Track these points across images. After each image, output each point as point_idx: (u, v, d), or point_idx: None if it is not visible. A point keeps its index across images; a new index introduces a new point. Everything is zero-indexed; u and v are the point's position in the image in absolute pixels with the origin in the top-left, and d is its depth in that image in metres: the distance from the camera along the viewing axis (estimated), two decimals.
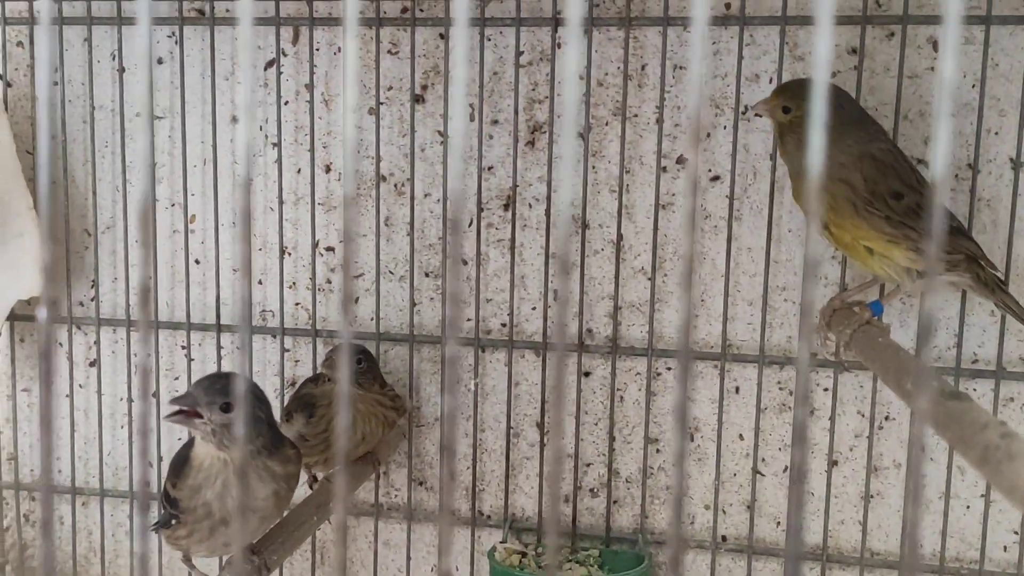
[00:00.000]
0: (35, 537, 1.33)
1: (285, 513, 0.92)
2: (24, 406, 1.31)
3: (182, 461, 0.82)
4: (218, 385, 0.80)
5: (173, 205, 1.24)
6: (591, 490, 1.17)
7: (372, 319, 1.20)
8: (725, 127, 1.10)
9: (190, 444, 0.83)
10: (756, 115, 1.03)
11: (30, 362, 1.30)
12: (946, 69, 0.34)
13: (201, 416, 0.78)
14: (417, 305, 1.19)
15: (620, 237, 1.13)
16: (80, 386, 1.29)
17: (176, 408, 0.79)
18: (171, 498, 0.81)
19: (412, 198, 1.17)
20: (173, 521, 0.82)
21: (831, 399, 1.10)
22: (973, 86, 1.03)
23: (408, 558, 1.22)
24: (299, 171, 1.21)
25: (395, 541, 1.24)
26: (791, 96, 0.95)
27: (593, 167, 1.14)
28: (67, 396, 1.29)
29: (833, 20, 0.32)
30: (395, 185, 1.19)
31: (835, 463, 1.11)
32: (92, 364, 1.28)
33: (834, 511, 1.11)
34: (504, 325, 1.17)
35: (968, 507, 1.09)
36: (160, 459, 1.25)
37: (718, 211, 1.11)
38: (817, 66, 0.32)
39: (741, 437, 1.13)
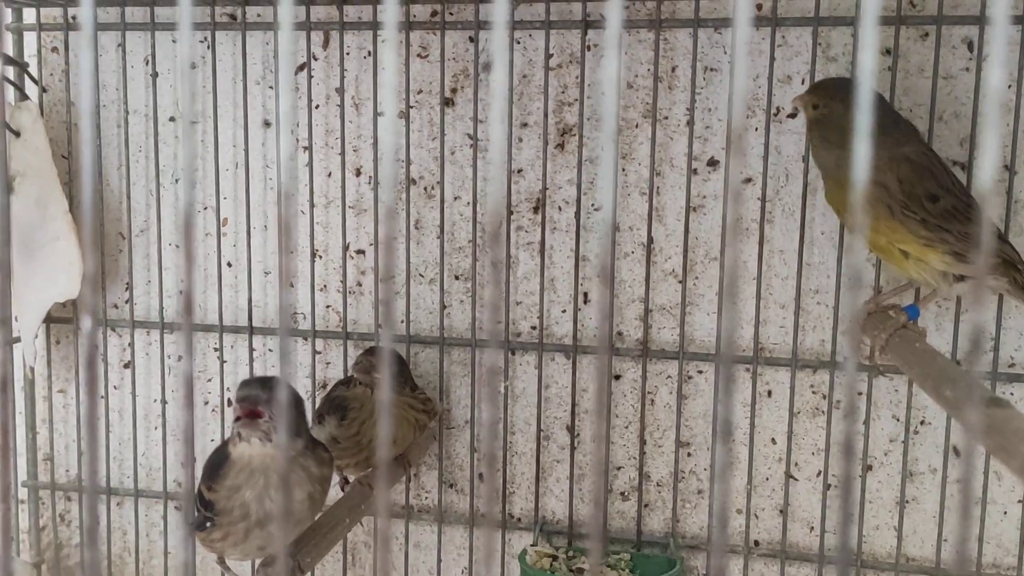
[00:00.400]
0: (71, 537, 1.35)
1: (317, 516, 0.93)
2: (60, 407, 1.33)
3: (219, 462, 0.82)
4: (268, 386, 0.80)
5: (206, 208, 1.26)
6: (622, 494, 1.17)
7: (403, 322, 1.20)
8: (757, 129, 1.09)
9: (225, 445, 0.84)
10: (793, 111, 1.03)
11: (66, 364, 1.32)
12: (994, 76, 0.33)
13: (263, 416, 0.79)
14: (447, 308, 1.19)
15: (651, 240, 1.12)
16: (115, 387, 1.31)
17: (244, 410, 0.79)
18: (206, 500, 0.82)
19: (442, 201, 1.17)
20: (208, 524, 0.82)
21: (866, 403, 1.09)
22: (1009, 86, 1.01)
23: (439, 560, 1.22)
24: (330, 175, 1.22)
25: (426, 543, 1.24)
26: (822, 93, 0.94)
27: (623, 169, 1.13)
28: (102, 397, 1.30)
29: (871, 22, 0.32)
30: (425, 188, 1.19)
31: (870, 468, 1.10)
32: (126, 366, 1.30)
33: (868, 516, 1.10)
34: (534, 328, 1.17)
35: (1005, 512, 1.08)
36: (194, 460, 1.26)
37: (750, 213, 1.10)
38: (861, 72, 0.32)
39: (774, 441, 1.12)
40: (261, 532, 0.80)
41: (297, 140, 1.22)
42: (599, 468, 0.35)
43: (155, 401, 1.29)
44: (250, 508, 0.80)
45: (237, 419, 0.80)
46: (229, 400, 1.26)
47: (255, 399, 0.79)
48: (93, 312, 0.37)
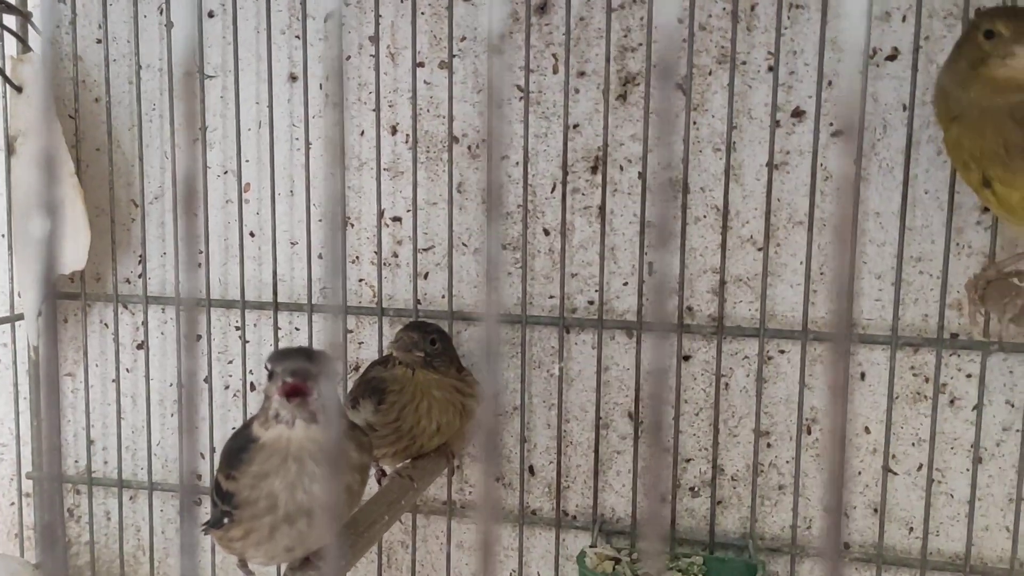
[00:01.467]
0: (80, 534, 1.24)
1: (354, 511, 0.81)
2: (68, 392, 1.21)
3: (241, 447, 0.70)
4: (314, 359, 0.68)
5: (226, 172, 1.14)
6: (692, 489, 1.04)
7: (443, 296, 1.08)
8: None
9: (249, 427, 0.71)
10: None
11: (74, 344, 1.20)
12: None
13: (311, 393, 0.67)
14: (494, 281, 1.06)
15: (726, 202, 0.99)
16: (127, 370, 1.19)
17: (290, 386, 0.67)
18: (224, 492, 0.70)
19: (488, 161, 1.04)
20: (226, 520, 0.70)
21: (976, 386, 0.95)
22: None
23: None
24: (362, 133, 1.09)
25: (469, 543, 1.12)
26: (1007, 18, 0.76)
27: (694, 123, 1.00)
28: (113, 381, 1.19)
29: None
30: (469, 147, 1.07)
31: (979, 460, 0.96)
32: (140, 346, 1.18)
33: (978, 516, 0.96)
34: (592, 303, 1.04)
35: None
36: (213, 450, 1.14)
37: (840, 171, 0.97)
38: None
39: (867, 430, 0.99)
40: (290, 530, 0.68)
41: (326, 95, 1.10)
42: (653, 451, 0.23)
43: (171, 385, 1.18)
44: (278, 500, 0.68)
45: (285, 395, 0.67)
46: (252, 384, 1.14)
47: (305, 373, 0.67)
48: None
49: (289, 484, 0.68)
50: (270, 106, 1.10)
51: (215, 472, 0.73)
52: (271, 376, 0.69)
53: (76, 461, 1.22)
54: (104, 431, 1.20)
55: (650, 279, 1.02)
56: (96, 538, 1.22)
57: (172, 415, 1.18)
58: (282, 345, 1.13)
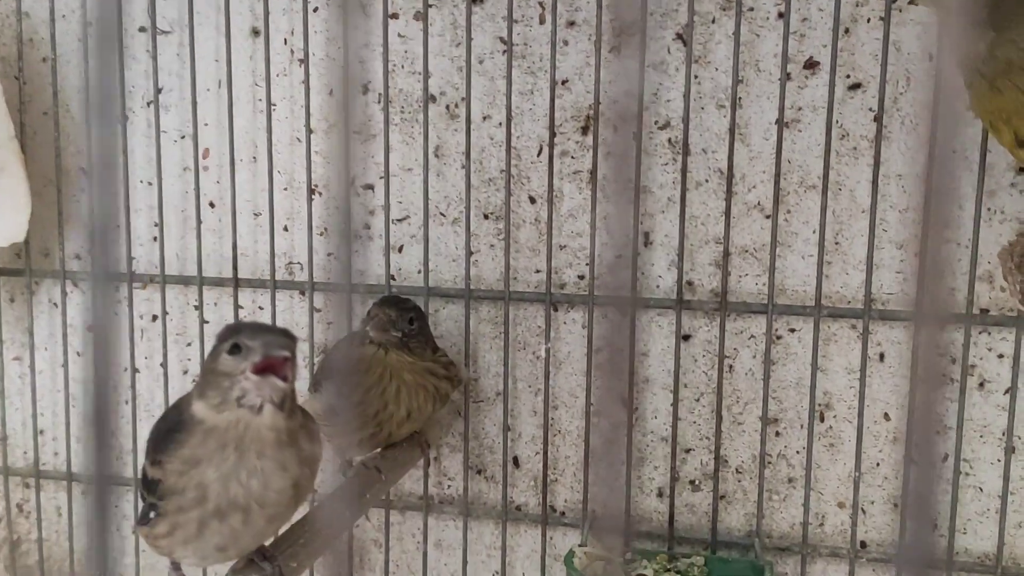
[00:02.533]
0: (30, 530, 1.14)
1: (300, 508, 0.71)
2: (15, 377, 1.12)
3: (172, 428, 0.61)
4: (290, 336, 0.61)
5: (183, 137, 1.04)
6: (692, 482, 0.94)
7: (419, 271, 0.98)
8: (869, 20, 0.86)
9: (181, 405, 0.62)
10: None
11: (21, 324, 1.11)
12: None
13: (285, 375, 0.59)
14: (475, 254, 0.97)
15: (731, 164, 0.89)
16: (78, 354, 1.09)
17: (265, 361, 0.58)
18: (149, 480, 0.61)
19: (468, 122, 0.95)
20: (152, 514, 0.61)
21: (1010, 367, 0.85)
22: None
23: (464, 562, 1.00)
24: (330, 92, 0.99)
25: (448, 541, 1.02)
26: None
27: (696, 76, 0.90)
28: (62, 367, 1.09)
29: None
30: (447, 107, 0.97)
31: (1012, 450, 0.86)
32: (91, 328, 1.08)
33: (1010, 512, 0.87)
34: (582, 277, 0.95)
35: None
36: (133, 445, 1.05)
37: (858, 129, 0.87)
38: None
39: (887, 417, 0.89)
40: (220, 526, 0.59)
41: (292, 51, 1.00)
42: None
43: (125, 370, 1.08)
44: (208, 490, 0.58)
45: (258, 372, 0.58)
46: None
47: (283, 347, 0.58)
48: None
49: (223, 474, 0.58)
50: (229, 62, 1.00)
51: (143, 461, 0.64)
52: (236, 350, 0.60)
53: (24, 453, 1.12)
54: (54, 420, 1.11)
55: (646, 251, 0.93)
56: (46, 535, 1.13)
57: (126, 402, 1.08)
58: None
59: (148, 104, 1.04)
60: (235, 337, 0.61)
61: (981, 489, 0.88)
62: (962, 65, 0.72)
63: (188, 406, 0.62)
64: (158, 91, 1.03)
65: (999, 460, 0.87)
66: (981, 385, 0.87)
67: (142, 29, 1.04)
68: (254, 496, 0.58)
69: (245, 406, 0.60)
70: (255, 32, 1.01)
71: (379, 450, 0.88)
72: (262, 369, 0.59)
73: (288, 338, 0.61)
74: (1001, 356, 0.86)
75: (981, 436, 0.87)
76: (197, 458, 0.59)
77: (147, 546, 0.64)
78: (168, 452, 0.60)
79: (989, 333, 0.86)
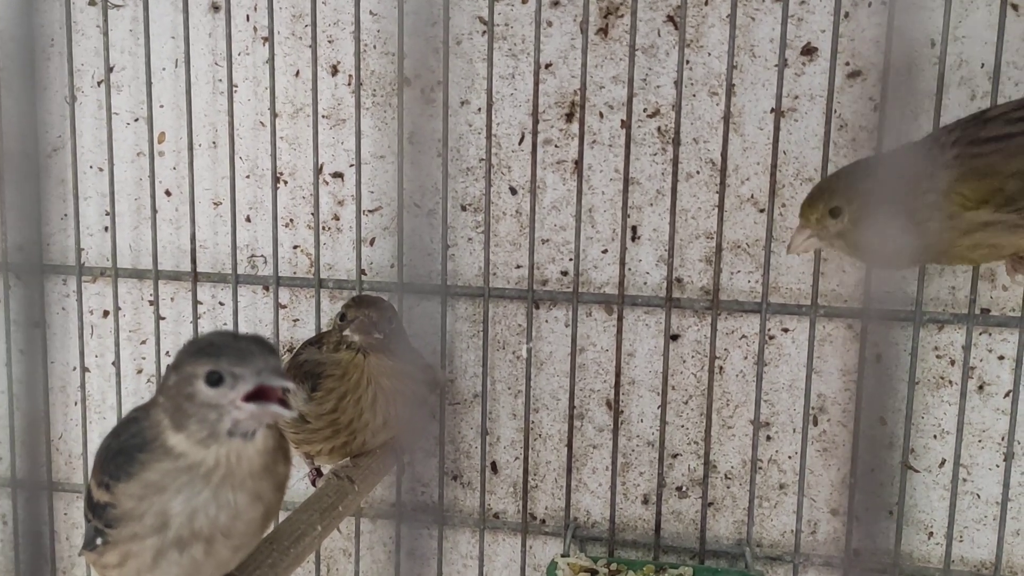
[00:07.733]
0: (2, 542, 1.07)
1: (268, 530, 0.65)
2: None
3: (135, 447, 0.54)
4: (274, 351, 0.55)
5: (136, 120, 0.97)
6: (679, 488, 0.90)
7: (392, 265, 0.92)
8: (870, 4, 0.82)
9: (141, 425, 0.56)
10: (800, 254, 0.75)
11: None
12: None
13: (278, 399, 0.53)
14: (452, 248, 0.91)
15: (724, 155, 0.85)
16: (21, 352, 1.02)
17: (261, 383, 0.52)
18: (96, 503, 0.55)
19: (445, 107, 0.89)
20: (99, 541, 0.55)
21: (1010, 369, 0.82)
22: None
23: (439, 572, 0.95)
24: (297, 73, 0.93)
25: (422, 550, 0.97)
26: (831, 195, 0.69)
27: (687, 62, 0.85)
28: (6, 365, 1.02)
29: None
30: (422, 90, 0.91)
31: (1011, 455, 0.83)
32: (36, 325, 1.01)
33: (1009, 518, 0.84)
34: (565, 273, 0.90)
35: None
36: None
37: (858, 119, 0.83)
38: None
39: (883, 421, 0.86)
40: (180, 557, 0.53)
41: (255, 28, 0.94)
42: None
43: (74, 369, 1.01)
44: (171, 519, 0.53)
45: (248, 398, 0.52)
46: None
47: (279, 374, 0.53)
48: None
49: (191, 507, 0.52)
50: (186, 39, 0.93)
51: (90, 477, 0.57)
52: (218, 381, 0.53)
53: None
54: (1, 423, 1.03)
55: (633, 246, 0.88)
56: None
57: (76, 403, 1.01)
58: (206, 322, 0.97)
59: (99, 84, 0.97)
60: (213, 363, 0.53)
61: (979, 496, 0.85)
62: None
63: (156, 431, 0.55)
64: (109, 69, 0.96)
65: (998, 466, 0.84)
66: (981, 388, 0.84)
67: (92, 2, 0.96)
68: (220, 528, 0.53)
69: (238, 435, 0.53)
70: (215, 7, 0.94)
71: (349, 459, 0.82)
72: (254, 395, 0.53)
73: (277, 357, 0.55)
74: (1002, 358, 0.83)
75: (980, 441, 0.84)
76: (162, 485, 0.53)
77: (95, 572, 0.58)
78: (125, 474, 0.53)
79: (990, 334, 0.83)
